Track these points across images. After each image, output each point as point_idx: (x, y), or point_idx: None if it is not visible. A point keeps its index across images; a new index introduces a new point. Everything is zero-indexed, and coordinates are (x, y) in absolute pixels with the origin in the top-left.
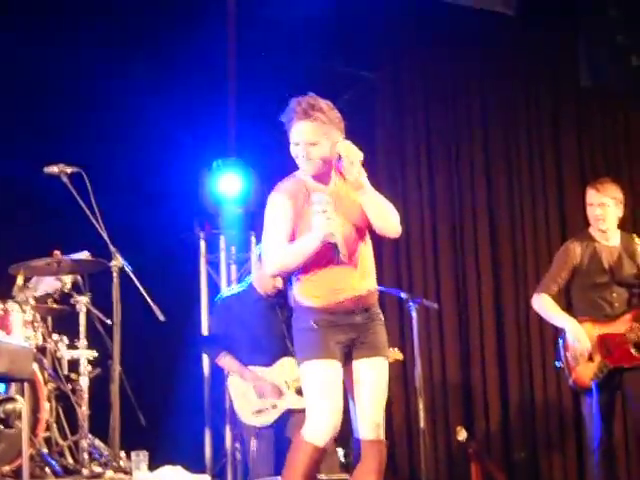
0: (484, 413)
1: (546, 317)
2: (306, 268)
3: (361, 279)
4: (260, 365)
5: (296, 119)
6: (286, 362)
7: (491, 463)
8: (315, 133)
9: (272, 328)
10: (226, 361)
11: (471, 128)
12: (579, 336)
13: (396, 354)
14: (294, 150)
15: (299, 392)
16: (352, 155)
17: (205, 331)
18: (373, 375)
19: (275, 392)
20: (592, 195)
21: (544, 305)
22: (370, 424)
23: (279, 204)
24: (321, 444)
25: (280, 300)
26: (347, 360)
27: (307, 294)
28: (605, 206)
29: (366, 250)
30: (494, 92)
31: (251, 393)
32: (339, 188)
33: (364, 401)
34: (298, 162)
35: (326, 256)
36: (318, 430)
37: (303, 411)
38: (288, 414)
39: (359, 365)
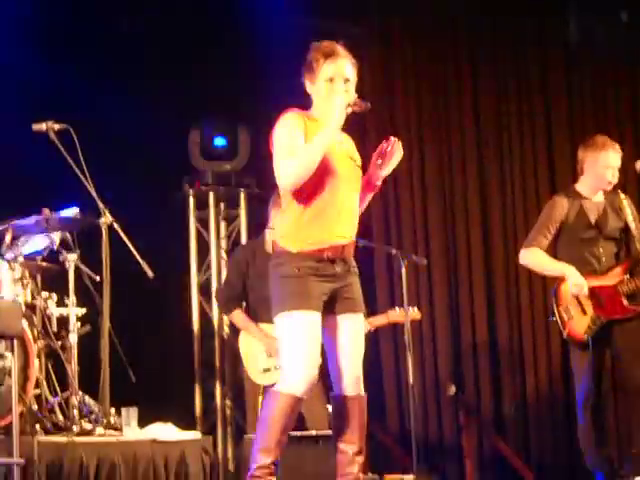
0: (474, 368)
1: (540, 269)
2: (297, 204)
3: (346, 228)
4: (267, 322)
5: (334, 56)
6: None
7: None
8: (352, 72)
9: None
10: (237, 318)
11: (460, 85)
12: (579, 281)
13: (415, 314)
14: (325, 87)
15: None
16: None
17: (195, 287)
18: (356, 331)
19: None
20: (613, 158)
21: (536, 257)
22: (354, 379)
23: (292, 121)
24: (300, 394)
25: None
26: (326, 311)
27: (291, 236)
28: (617, 169)
29: (355, 200)
30: (484, 61)
31: (260, 351)
32: (344, 140)
33: (347, 356)
34: (329, 98)
35: (317, 193)
36: (299, 381)
37: None
38: None
39: (342, 320)
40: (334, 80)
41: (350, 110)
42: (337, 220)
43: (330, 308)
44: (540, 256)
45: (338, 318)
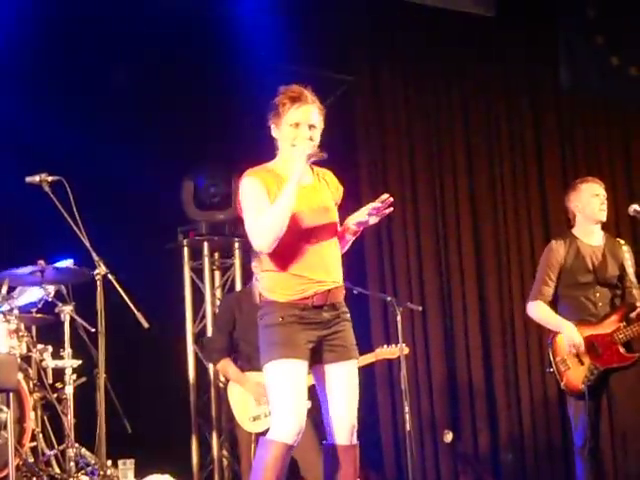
0: (471, 415)
1: (543, 323)
2: (274, 260)
3: (329, 273)
4: (259, 370)
5: (301, 101)
6: None
7: None
8: (318, 119)
9: None
10: (224, 368)
11: (452, 130)
12: (576, 339)
13: (403, 349)
14: (290, 132)
15: None
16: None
17: (191, 337)
18: (350, 378)
19: None
20: (596, 187)
21: (538, 312)
22: (349, 429)
23: (252, 182)
24: (291, 442)
25: None
26: (315, 358)
27: (273, 288)
28: (604, 197)
29: (334, 247)
30: (474, 95)
31: (249, 400)
32: (315, 184)
33: (342, 405)
34: (295, 143)
35: (293, 247)
36: (288, 429)
37: None
38: None
39: (335, 369)
40: (299, 125)
41: (311, 160)
42: (319, 267)
43: (319, 356)
44: (542, 310)
45: (330, 367)
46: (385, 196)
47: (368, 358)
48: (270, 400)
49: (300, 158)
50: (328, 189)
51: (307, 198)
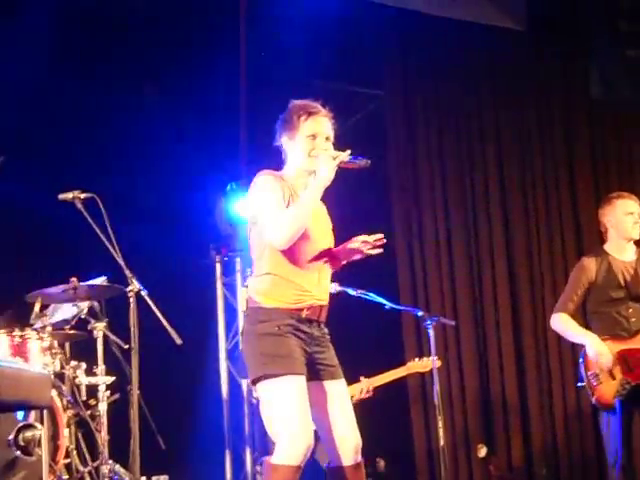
0: (504, 430)
1: (566, 336)
2: (278, 264)
3: (323, 291)
4: None
5: (318, 113)
6: None
7: None
8: (332, 132)
9: None
10: None
11: (484, 145)
12: (601, 350)
13: (436, 362)
14: (307, 143)
15: None
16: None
17: (223, 353)
18: (346, 397)
19: None
20: (631, 205)
21: (563, 324)
22: (354, 448)
23: (271, 181)
24: (299, 464)
25: None
26: (310, 375)
27: (271, 292)
28: (637, 215)
29: (329, 270)
30: (506, 109)
31: None
32: (321, 206)
33: (344, 425)
34: (314, 154)
35: (298, 257)
36: (297, 451)
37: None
38: (315, 434)
39: (331, 387)
40: (316, 137)
41: (354, 166)
42: (317, 283)
43: (314, 373)
44: (566, 322)
45: (328, 384)
46: (378, 236)
47: (400, 372)
48: (271, 420)
49: (329, 165)
50: (327, 214)
51: (318, 216)
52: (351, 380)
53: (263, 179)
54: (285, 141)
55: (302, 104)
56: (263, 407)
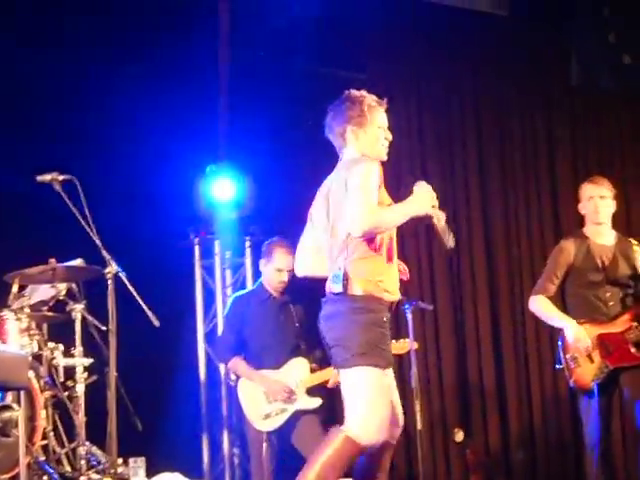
0: (481, 413)
1: (544, 318)
2: (373, 255)
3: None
4: (269, 368)
5: (383, 105)
6: (296, 363)
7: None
8: None
9: (283, 328)
10: (235, 366)
11: (464, 128)
12: (579, 335)
13: (414, 344)
14: (380, 134)
15: (309, 392)
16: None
17: (201, 335)
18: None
19: (286, 394)
20: (591, 188)
21: (542, 306)
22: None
23: (375, 171)
24: (366, 448)
25: (292, 298)
26: None
27: (375, 285)
28: (604, 198)
29: None
30: (487, 92)
31: (260, 397)
32: None
33: (399, 408)
34: (382, 143)
35: (391, 244)
36: (372, 439)
37: (312, 412)
38: (295, 418)
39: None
40: (384, 129)
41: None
42: (397, 276)
43: None
44: (544, 305)
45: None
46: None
47: None
48: (361, 403)
49: (427, 207)
50: None
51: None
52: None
53: (370, 165)
54: (351, 130)
55: (367, 95)
56: (353, 390)
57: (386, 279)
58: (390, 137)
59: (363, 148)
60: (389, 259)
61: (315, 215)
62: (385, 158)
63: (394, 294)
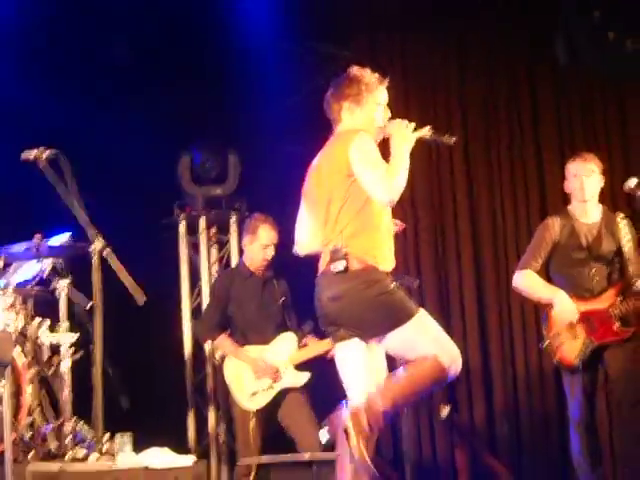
0: (467, 389)
1: (531, 292)
2: (375, 227)
3: None
4: (256, 344)
5: (383, 82)
6: (284, 338)
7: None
8: None
9: (267, 305)
10: (221, 343)
11: (449, 104)
12: (569, 307)
13: None
14: (376, 112)
15: (297, 368)
16: None
17: (187, 312)
18: None
19: (272, 372)
20: (578, 165)
21: (528, 281)
22: None
23: (369, 139)
24: (451, 369)
25: (275, 274)
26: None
27: (380, 256)
28: (592, 174)
29: None
30: (472, 68)
31: (247, 375)
32: None
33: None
34: (380, 123)
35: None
36: (455, 356)
37: (297, 389)
38: (282, 395)
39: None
40: (382, 105)
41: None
42: (391, 245)
43: None
44: (532, 279)
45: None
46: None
47: None
48: (426, 342)
49: (409, 137)
50: None
51: None
52: (322, 336)
53: (365, 138)
54: (347, 106)
55: (368, 73)
56: (412, 343)
57: (380, 251)
58: (389, 115)
59: (358, 125)
60: (381, 229)
61: (308, 192)
62: (378, 138)
63: (389, 263)
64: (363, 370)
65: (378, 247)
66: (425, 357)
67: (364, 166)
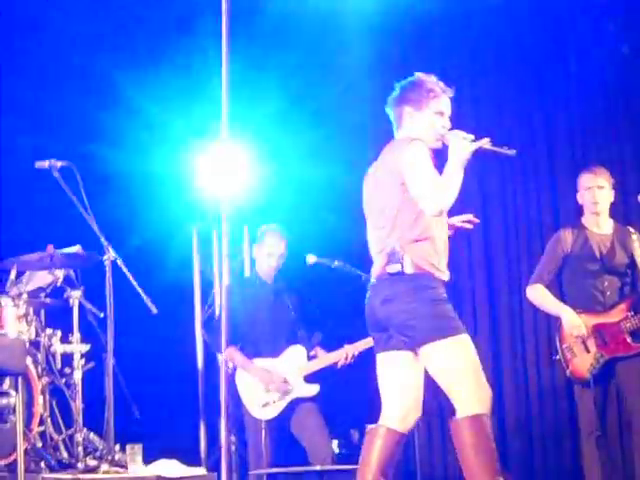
0: None
1: (541, 307)
2: (429, 235)
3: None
4: (267, 356)
5: (447, 92)
6: (294, 350)
7: None
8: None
9: (278, 316)
10: (231, 355)
11: (461, 113)
12: (575, 323)
13: None
14: (436, 120)
15: (307, 380)
16: None
17: (199, 323)
18: None
19: (281, 384)
20: (589, 179)
21: (539, 295)
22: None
23: (422, 148)
24: (487, 411)
25: (286, 284)
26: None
27: (433, 263)
28: (602, 188)
29: None
30: (484, 77)
31: (258, 386)
32: None
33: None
34: (439, 132)
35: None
36: (488, 398)
37: (310, 400)
38: (293, 405)
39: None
40: (443, 115)
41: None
42: (446, 255)
43: None
44: (541, 293)
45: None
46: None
47: (368, 342)
48: (455, 376)
49: (466, 148)
50: None
51: None
52: (335, 347)
53: (419, 146)
54: (408, 111)
55: (433, 80)
56: (441, 366)
57: (436, 259)
58: (448, 125)
59: (416, 132)
60: (437, 239)
61: (365, 199)
62: (437, 145)
63: (445, 273)
64: (400, 388)
65: (434, 255)
66: (470, 424)
67: (414, 177)
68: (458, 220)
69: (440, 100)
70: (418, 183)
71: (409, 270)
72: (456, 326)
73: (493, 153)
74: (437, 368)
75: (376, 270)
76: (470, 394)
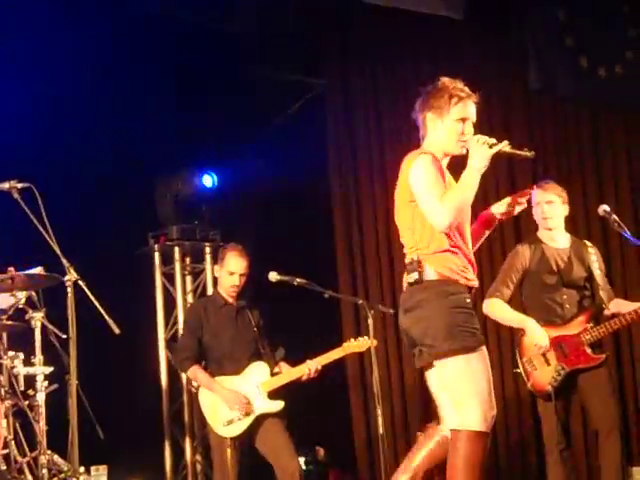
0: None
1: (502, 320)
2: (450, 240)
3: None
4: (230, 374)
5: (470, 97)
6: (256, 367)
7: None
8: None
9: (241, 334)
10: (195, 374)
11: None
12: (539, 333)
13: (372, 342)
14: (456, 127)
15: (270, 396)
16: None
17: (162, 342)
18: None
19: (243, 403)
20: (538, 194)
21: (497, 309)
22: None
23: (429, 163)
24: (488, 430)
25: (249, 303)
26: None
27: (454, 269)
28: (551, 203)
29: None
30: None
31: (221, 404)
32: None
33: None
34: (460, 139)
35: (463, 231)
36: (489, 419)
37: (275, 416)
38: (259, 421)
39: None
40: (465, 121)
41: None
42: (472, 264)
43: None
44: (501, 307)
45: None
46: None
47: (337, 352)
48: (460, 390)
49: (485, 153)
50: None
51: None
52: (298, 361)
53: (427, 160)
54: (430, 117)
55: (455, 85)
56: (450, 379)
57: (458, 265)
58: (471, 131)
59: (438, 139)
60: (457, 249)
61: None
62: (459, 152)
63: (471, 280)
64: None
65: (458, 263)
66: (463, 438)
67: (420, 194)
68: (505, 203)
69: (463, 105)
70: (424, 200)
71: (429, 277)
72: (472, 342)
73: (513, 156)
74: (443, 385)
75: (404, 282)
76: (478, 413)
